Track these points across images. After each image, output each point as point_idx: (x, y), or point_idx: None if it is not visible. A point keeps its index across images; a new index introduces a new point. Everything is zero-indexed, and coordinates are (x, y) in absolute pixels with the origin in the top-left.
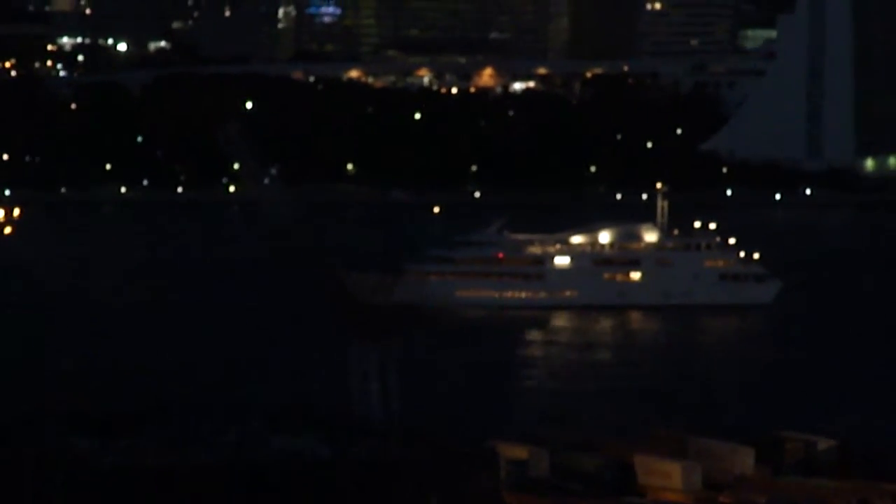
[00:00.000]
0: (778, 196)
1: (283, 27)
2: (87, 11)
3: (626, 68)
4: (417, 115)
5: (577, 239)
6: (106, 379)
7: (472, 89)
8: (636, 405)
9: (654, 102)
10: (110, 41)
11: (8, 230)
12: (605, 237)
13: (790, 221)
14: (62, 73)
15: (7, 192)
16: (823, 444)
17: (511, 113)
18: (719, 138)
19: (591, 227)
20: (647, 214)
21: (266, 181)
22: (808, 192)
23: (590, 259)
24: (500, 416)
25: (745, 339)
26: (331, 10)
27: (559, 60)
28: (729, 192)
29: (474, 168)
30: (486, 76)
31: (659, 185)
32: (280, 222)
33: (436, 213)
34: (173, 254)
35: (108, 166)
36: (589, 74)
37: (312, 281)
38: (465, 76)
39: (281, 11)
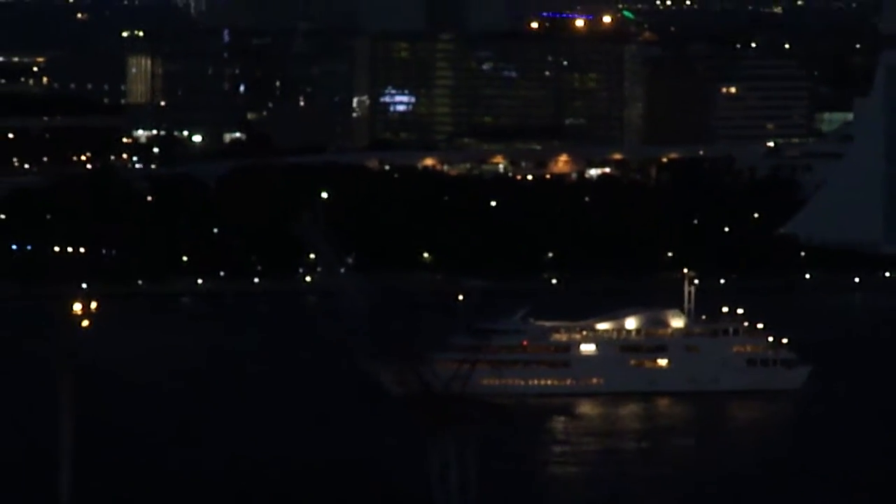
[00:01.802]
0: (857, 279)
1: (357, 116)
2: (162, 104)
3: (701, 153)
4: (493, 202)
5: (602, 325)
6: (186, 471)
7: (548, 175)
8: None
9: (730, 187)
10: (185, 133)
11: (85, 323)
12: (631, 323)
13: (864, 305)
14: (137, 165)
15: (84, 285)
16: None
17: (587, 199)
18: (796, 222)
19: (616, 314)
20: (723, 300)
21: (342, 270)
22: (886, 274)
23: (616, 345)
24: None
25: (773, 424)
26: (405, 98)
27: (634, 146)
28: (807, 276)
29: (550, 254)
30: (562, 162)
31: (686, 270)
32: (356, 312)
33: (460, 301)
34: (250, 344)
35: (184, 258)
36: (664, 159)
37: (388, 370)
38: (540, 163)
39: (355, 101)
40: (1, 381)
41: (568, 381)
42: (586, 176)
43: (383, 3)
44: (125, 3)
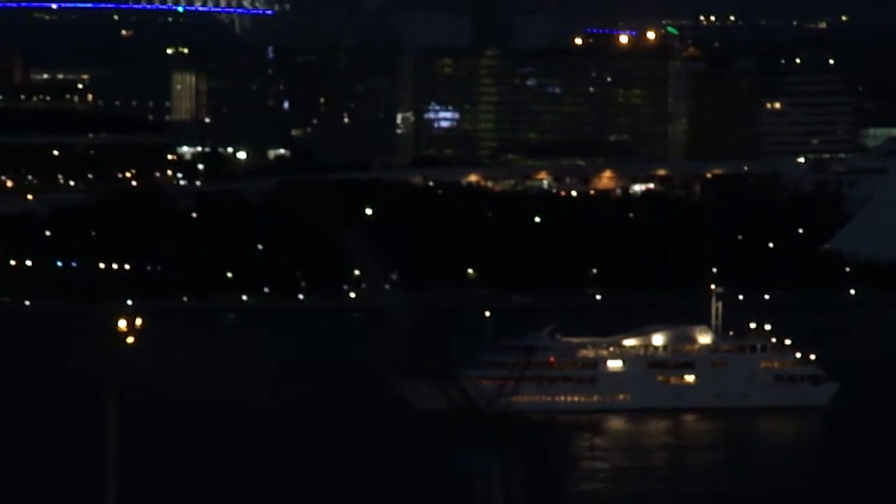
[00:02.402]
0: None
1: (401, 132)
2: (206, 120)
3: (746, 168)
4: (537, 219)
5: (629, 342)
6: (222, 484)
7: (592, 192)
8: None
9: (775, 202)
10: (229, 149)
11: (130, 339)
12: (658, 340)
13: None
14: (182, 182)
15: (129, 301)
16: None
17: (631, 215)
18: (841, 238)
19: (643, 330)
20: (758, 316)
21: (386, 287)
22: None
23: (643, 362)
24: None
25: (801, 441)
26: (449, 114)
27: (679, 161)
28: (852, 292)
29: (595, 270)
30: (606, 178)
31: (713, 287)
32: (400, 328)
33: (487, 317)
34: (293, 361)
35: (228, 274)
36: (709, 175)
37: (418, 386)
38: (584, 179)
39: (399, 117)
40: (46, 398)
41: (595, 398)
42: (630, 192)
43: (429, 21)
44: (170, 20)
